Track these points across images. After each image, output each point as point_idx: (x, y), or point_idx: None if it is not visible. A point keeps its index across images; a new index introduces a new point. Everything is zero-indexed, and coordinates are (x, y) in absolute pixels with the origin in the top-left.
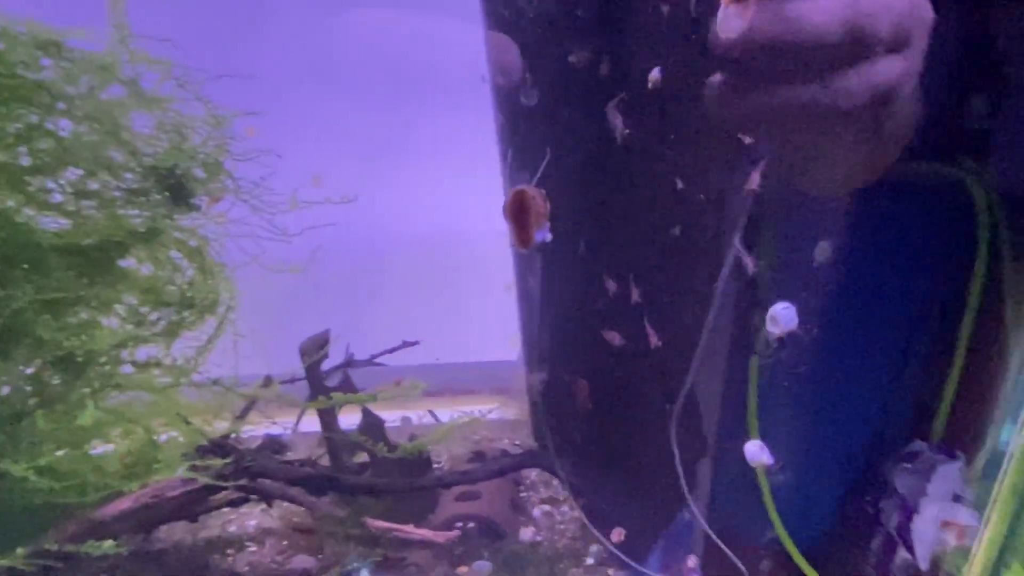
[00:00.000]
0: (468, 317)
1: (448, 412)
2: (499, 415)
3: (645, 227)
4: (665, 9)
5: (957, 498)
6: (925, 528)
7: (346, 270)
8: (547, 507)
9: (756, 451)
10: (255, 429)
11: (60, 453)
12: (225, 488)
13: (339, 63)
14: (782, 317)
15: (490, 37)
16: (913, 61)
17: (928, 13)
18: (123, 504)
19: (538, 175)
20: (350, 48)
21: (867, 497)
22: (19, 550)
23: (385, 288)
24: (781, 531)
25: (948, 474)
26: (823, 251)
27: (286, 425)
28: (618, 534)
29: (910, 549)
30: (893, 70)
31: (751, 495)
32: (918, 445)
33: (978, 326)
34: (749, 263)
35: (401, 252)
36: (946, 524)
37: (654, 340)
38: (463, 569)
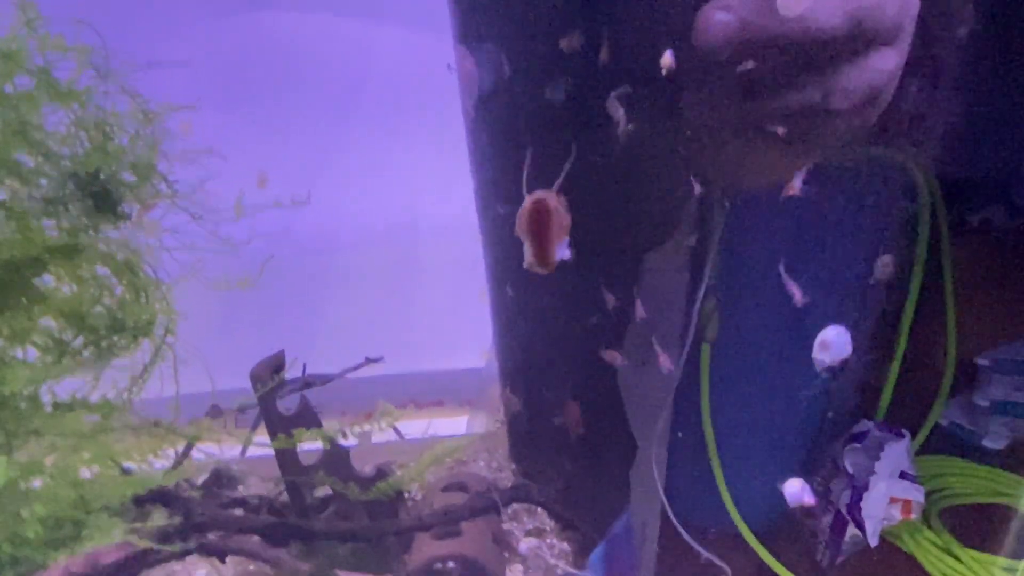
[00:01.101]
0: (431, 322)
1: (413, 425)
2: (469, 430)
3: (649, 232)
4: None
5: (904, 475)
6: (874, 505)
7: (296, 273)
8: (534, 540)
9: (798, 492)
10: (200, 455)
11: None
12: (169, 548)
13: (278, 51)
14: (834, 344)
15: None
16: (903, 54)
17: (916, 3)
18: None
19: (560, 179)
20: (288, 39)
21: (817, 477)
22: None
23: (339, 292)
24: (734, 513)
25: (896, 452)
26: (885, 266)
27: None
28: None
29: (860, 526)
30: (888, 64)
31: (705, 481)
32: (865, 424)
33: (920, 305)
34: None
35: (356, 252)
36: (894, 500)
37: (664, 361)
38: None
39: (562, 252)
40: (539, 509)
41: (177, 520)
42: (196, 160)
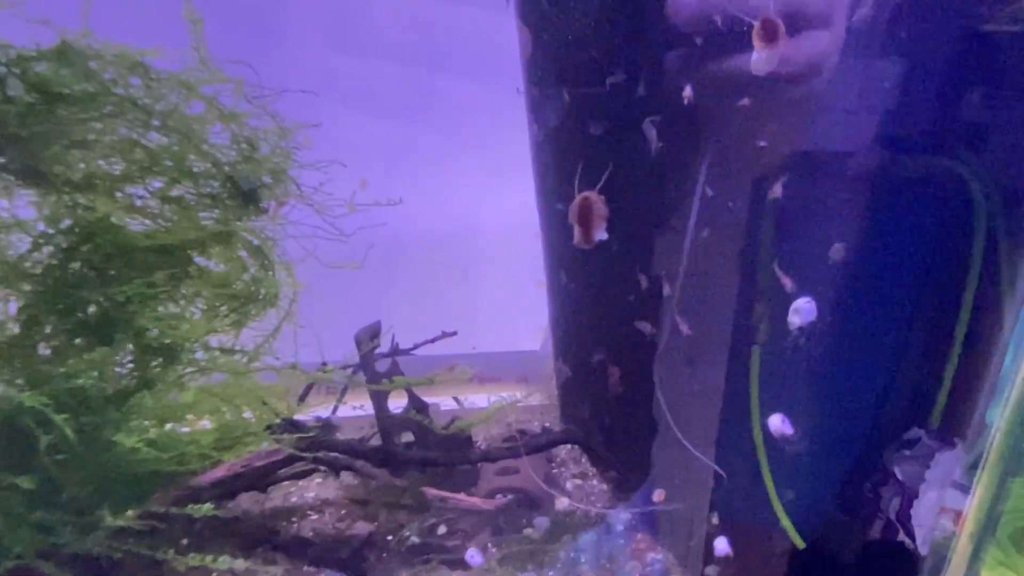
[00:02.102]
0: (492, 309)
1: (476, 398)
2: (527, 402)
3: (674, 228)
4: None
5: (956, 484)
6: (924, 513)
7: (388, 267)
8: (579, 481)
9: (778, 424)
10: (304, 414)
11: (167, 427)
12: (301, 460)
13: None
14: (804, 309)
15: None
16: (836, 37)
17: None
18: (218, 472)
19: (601, 183)
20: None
21: (867, 483)
22: (128, 512)
23: (419, 282)
24: (780, 513)
25: (946, 461)
26: (837, 251)
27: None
28: (659, 495)
29: (910, 534)
30: (820, 43)
31: (757, 481)
32: (916, 432)
33: (975, 315)
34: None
35: (435, 246)
36: (944, 510)
37: (684, 329)
38: (529, 530)
39: (600, 234)
40: (583, 459)
41: (303, 442)
42: (317, 166)
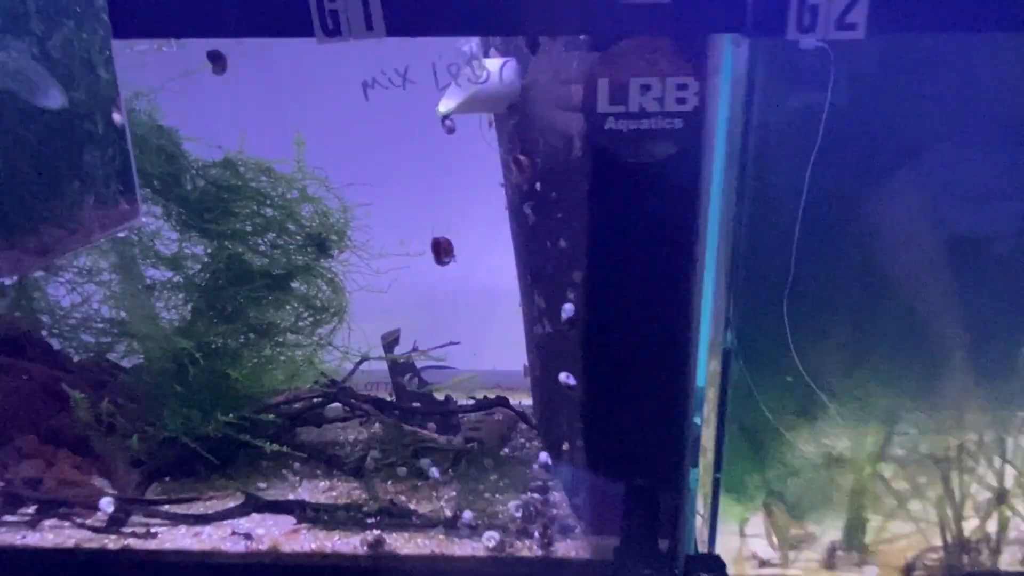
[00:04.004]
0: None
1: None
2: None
3: None
4: None
5: None
6: None
7: (411, 295)
8: (522, 440)
9: (564, 378)
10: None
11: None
12: (334, 401)
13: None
14: (567, 308)
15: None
16: None
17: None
18: (281, 397)
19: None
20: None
21: None
22: (230, 414)
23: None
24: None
25: None
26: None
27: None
28: (565, 446)
29: None
30: None
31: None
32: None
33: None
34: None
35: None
36: None
37: (547, 327)
38: None
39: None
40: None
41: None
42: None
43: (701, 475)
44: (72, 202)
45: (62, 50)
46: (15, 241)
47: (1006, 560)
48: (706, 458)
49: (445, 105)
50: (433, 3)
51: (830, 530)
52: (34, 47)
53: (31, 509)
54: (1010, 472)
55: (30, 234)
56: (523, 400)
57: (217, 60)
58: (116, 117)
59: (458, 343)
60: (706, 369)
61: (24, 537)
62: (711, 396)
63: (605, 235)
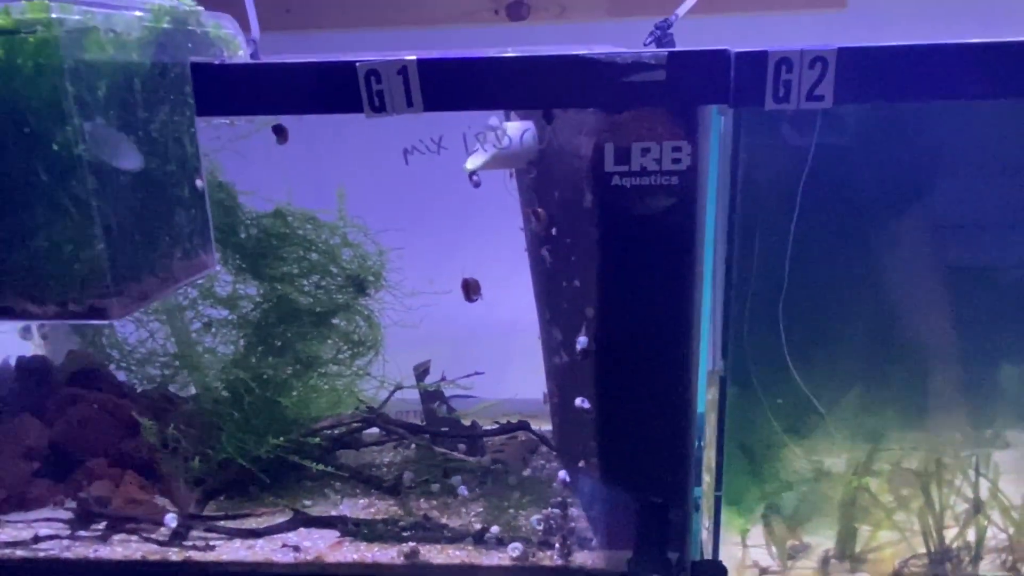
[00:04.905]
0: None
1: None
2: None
3: None
4: None
5: None
6: None
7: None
8: (542, 461)
9: (580, 402)
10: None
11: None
12: (372, 425)
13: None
14: (580, 340)
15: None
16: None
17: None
18: (325, 423)
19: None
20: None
21: None
22: (280, 437)
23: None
24: None
25: None
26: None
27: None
28: (581, 464)
29: None
30: None
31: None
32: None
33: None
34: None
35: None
36: None
37: (564, 356)
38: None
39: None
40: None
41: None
42: (399, 268)
43: (704, 492)
44: (164, 255)
45: (159, 130)
46: (123, 288)
47: (985, 567)
48: (709, 477)
49: (472, 163)
50: (462, 85)
51: (824, 540)
52: (140, 130)
53: (102, 525)
54: (984, 485)
55: (133, 282)
56: (543, 426)
57: (281, 133)
58: (198, 183)
59: (483, 373)
60: (705, 396)
61: (96, 551)
62: (712, 420)
63: (612, 276)
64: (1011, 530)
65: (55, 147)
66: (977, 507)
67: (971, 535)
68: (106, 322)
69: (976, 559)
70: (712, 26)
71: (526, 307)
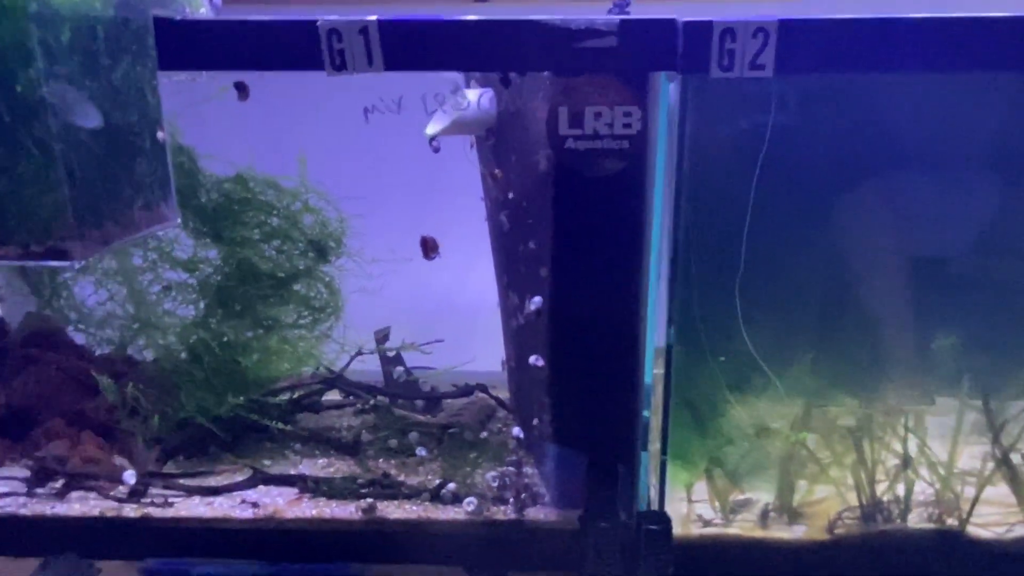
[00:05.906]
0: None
1: None
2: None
3: None
4: None
5: None
6: None
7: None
8: (499, 425)
9: (534, 360)
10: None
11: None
12: (331, 388)
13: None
14: (535, 300)
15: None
16: None
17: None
18: (285, 383)
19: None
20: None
21: None
22: (240, 397)
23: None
24: None
25: None
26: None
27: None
28: (535, 422)
29: None
30: None
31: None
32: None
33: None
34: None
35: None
36: None
37: (520, 319)
38: None
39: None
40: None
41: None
42: (360, 235)
43: (651, 457)
44: (126, 203)
45: (122, 80)
46: (84, 232)
47: (913, 519)
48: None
49: (432, 128)
50: (421, 46)
51: (764, 493)
52: (102, 79)
53: (59, 483)
54: (913, 442)
55: (95, 228)
56: (502, 394)
57: (242, 89)
58: (160, 135)
59: (442, 340)
60: (652, 365)
61: (54, 507)
62: (659, 391)
63: (566, 237)
64: (938, 485)
65: (19, 88)
66: (906, 463)
67: (901, 490)
68: (67, 263)
69: (905, 512)
70: (675, 12)
71: (487, 279)
